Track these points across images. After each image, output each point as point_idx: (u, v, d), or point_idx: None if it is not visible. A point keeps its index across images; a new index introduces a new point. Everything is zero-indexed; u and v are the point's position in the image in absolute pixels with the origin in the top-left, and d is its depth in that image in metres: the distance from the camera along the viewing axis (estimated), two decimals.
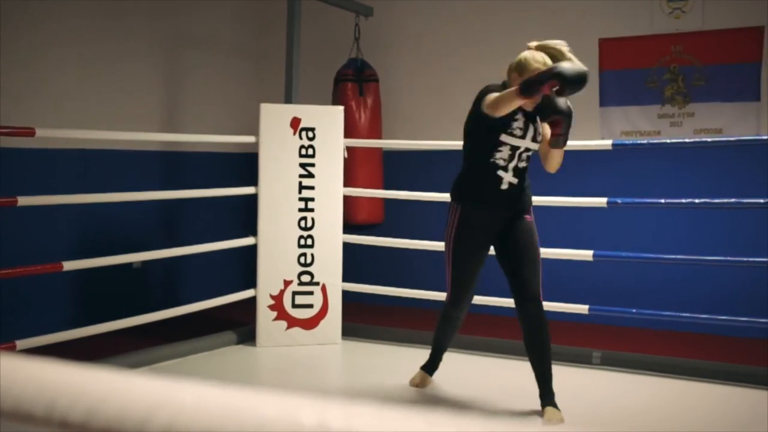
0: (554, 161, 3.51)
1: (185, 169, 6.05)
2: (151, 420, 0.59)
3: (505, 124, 3.39)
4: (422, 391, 3.94)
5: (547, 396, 3.53)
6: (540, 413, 3.53)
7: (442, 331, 3.91)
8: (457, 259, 3.56)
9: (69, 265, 4.02)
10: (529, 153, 3.52)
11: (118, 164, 5.43)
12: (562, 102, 3.35)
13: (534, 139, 3.49)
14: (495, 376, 4.27)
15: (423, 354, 4.11)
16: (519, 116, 3.42)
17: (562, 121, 3.37)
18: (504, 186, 3.46)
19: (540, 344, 3.52)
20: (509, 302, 4.71)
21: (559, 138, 3.42)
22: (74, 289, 5.14)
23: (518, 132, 3.43)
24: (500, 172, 3.44)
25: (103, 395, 0.63)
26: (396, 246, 5.16)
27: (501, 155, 3.43)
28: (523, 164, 3.50)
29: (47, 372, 0.67)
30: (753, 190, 4.90)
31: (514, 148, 3.44)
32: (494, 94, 3.32)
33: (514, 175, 3.47)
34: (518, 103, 3.24)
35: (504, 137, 3.42)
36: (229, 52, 6.52)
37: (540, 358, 3.53)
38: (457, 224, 3.52)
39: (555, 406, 3.51)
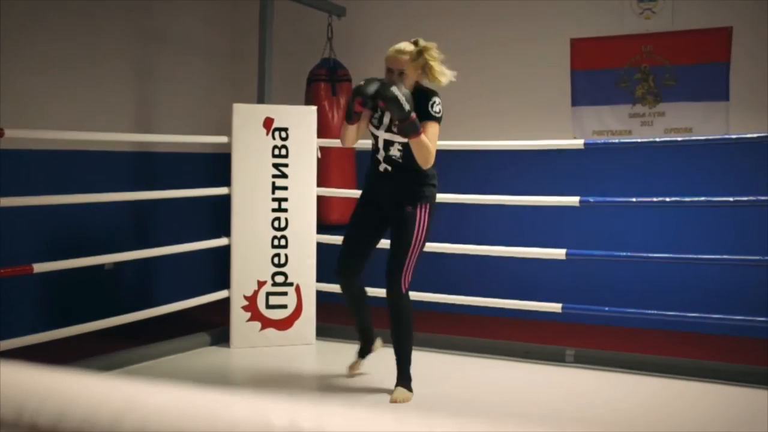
0: (414, 153, 3.59)
1: (157, 169, 6.01)
2: (121, 423, 0.59)
3: (372, 116, 3.79)
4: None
5: (398, 377, 3.81)
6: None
7: (347, 303, 4.10)
8: (347, 228, 4.01)
9: (39, 267, 3.98)
10: (398, 145, 3.70)
11: (90, 165, 5.38)
12: (371, 88, 3.52)
13: (389, 130, 3.71)
14: (469, 375, 4.29)
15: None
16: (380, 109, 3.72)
17: (386, 106, 3.52)
18: (381, 168, 3.78)
19: (394, 332, 3.80)
20: (487, 302, 4.74)
21: (401, 125, 3.54)
22: (44, 292, 5.09)
23: (375, 122, 3.77)
24: (376, 156, 3.80)
25: (72, 398, 0.63)
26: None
27: (374, 142, 3.80)
28: (393, 154, 3.72)
29: (16, 375, 0.67)
30: (723, 189, 4.96)
31: (375, 137, 3.79)
32: None
33: (386, 162, 3.76)
34: (351, 128, 3.72)
35: (369, 127, 3.81)
36: (202, 52, 6.49)
37: (395, 343, 3.82)
38: (357, 199, 3.97)
39: (405, 387, 3.78)
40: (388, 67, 3.64)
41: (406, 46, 3.64)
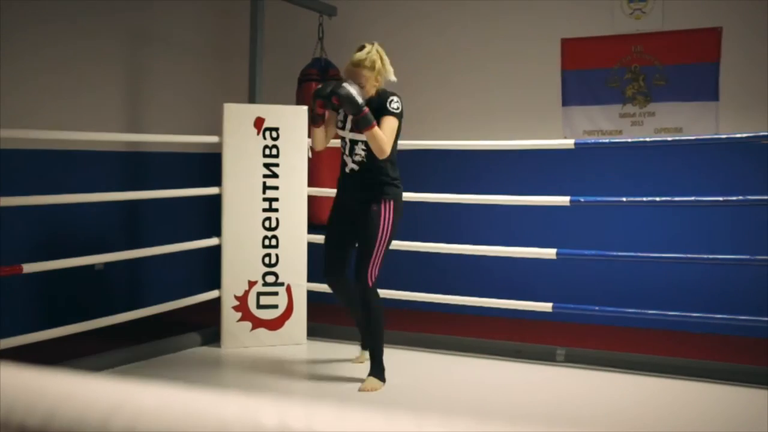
0: (370, 144, 3.85)
1: (148, 169, 5.99)
2: (110, 423, 0.59)
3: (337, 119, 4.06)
4: (385, 391, 3.94)
5: (371, 368, 4.02)
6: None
7: (340, 302, 4.34)
8: (325, 229, 4.21)
9: (29, 268, 3.96)
10: (362, 144, 3.92)
11: (80, 165, 5.37)
12: (327, 88, 3.81)
13: (353, 130, 3.94)
14: (460, 375, 4.29)
15: (388, 353, 4.11)
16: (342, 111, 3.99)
17: (340, 104, 3.78)
18: (347, 169, 4.01)
19: (365, 324, 4.07)
20: (478, 301, 4.75)
21: (356, 120, 3.83)
22: (34, 292, 5.07)
23: (340, 124, 4.03)
24: (344, 157, 4.02)
25: (61, 399, 0.63)
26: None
27: (342, 144, 4.03)
28: (358, 153, 3.95)
29: (5, 376, 0.67)
30: (713, 188, 4.98)
31: (342, 139, 4.02)
32: None
33: (353, 162, 3.98)
34: (318, 131, 4.03)
35: (337, 130, 4.06)
36: (193, 51, 6.47)
37: (367, 335, 4.12)
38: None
39: (376, 377, 3.98)
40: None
41: (360, 56, 3.92)
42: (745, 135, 4.30)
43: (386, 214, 3.93)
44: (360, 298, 4.01)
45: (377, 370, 4.00)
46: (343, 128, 4.01)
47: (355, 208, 4.00)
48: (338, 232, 4.13)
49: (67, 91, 5.32)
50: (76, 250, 4.60)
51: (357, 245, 4.03)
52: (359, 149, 3.95)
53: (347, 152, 4.00)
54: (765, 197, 4.19)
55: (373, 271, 3.94)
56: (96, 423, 0.59)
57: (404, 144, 4.91)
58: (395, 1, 6.27)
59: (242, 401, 0.59)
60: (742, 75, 5.29)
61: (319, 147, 4.12)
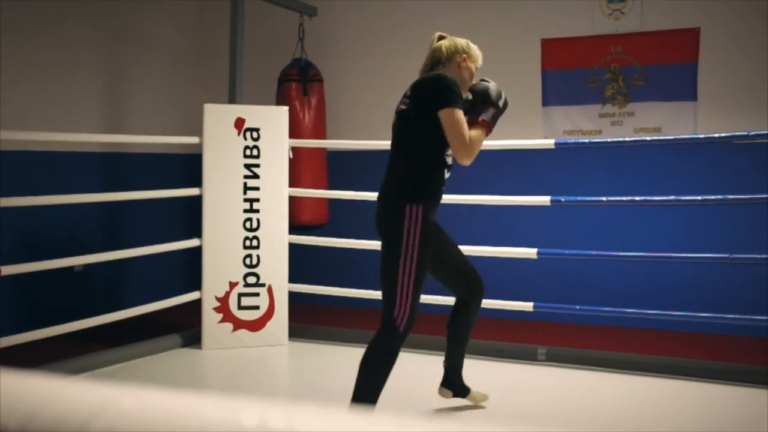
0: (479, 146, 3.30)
1: (128, 170, 5.96)
2: (89, 426, 0.59)
3: None
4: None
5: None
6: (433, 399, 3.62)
7: (385, 368, 3.16)
8: (422, 264, 3.13)
9: (8, 270, 3.93)
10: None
11: (60, 166, 5.33)
12: (494, 92, 3.29)
13: None
14: (441, 375, 4.29)
15: None
16: None
17: (497, 114, 3.31)
18: (447, 177, 3.28)
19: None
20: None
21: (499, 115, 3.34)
22: (14, 294, 5.03)
23: None
24: (446, 171, 3.25)
25: (40, 403, 0.62)
26: (341, 246, 5.16)
27: (448, 153, 3.21)
28: (451, 158, 3.28)
29: None
30: (692, 188, 5.01)
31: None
32: (465, 131, 3.09)
33: (449, 170, 3.29)
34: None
35: None
36: (173, 52, 6.45)
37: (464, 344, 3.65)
38: (421, 225, 3.09)
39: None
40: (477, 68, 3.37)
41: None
42: (723, 135, 4.34)
43: None
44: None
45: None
46: None
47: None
48: (450, 251, 3.52)
49: (45, 93, 5.28)
50: (55, 251, 4.57)
51: (457, 259, 3.54)
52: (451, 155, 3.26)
53: (450, 158, 3.24)
54: (744, 196, 4.23)
55: None
56: (76, 426, 0.59)
57: (387, 144, 4.91)
58: (376, 1, 6.27)
59: (222, 402, 0.59)
60: (720, 75, 5.33)
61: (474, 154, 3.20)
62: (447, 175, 3.25)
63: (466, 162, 3.12)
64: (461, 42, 3.35)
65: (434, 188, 3.18)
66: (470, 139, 3.08)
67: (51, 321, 4.17)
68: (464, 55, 3.31)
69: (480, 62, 3.37)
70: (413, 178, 3.16)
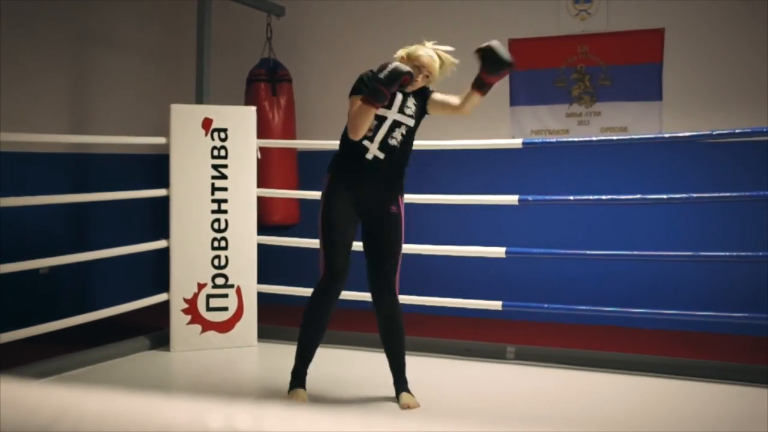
0: (474, 104, 3.71)
1: (94, 171, 5.90)
2: (52, 429, 0.58)
3: None
4: (332, 391, 3.93)
5: (401, 383, 3.68)
6: (395, 399, 3.66)
7: (323, 317, 3.66)
8: (327, 225, 3.56)
9: None
10: (401, 130, 3.54)
11: (24, 167, 5.26)
12: (506, 55, 3.58)
13: (402, 111, 3.54)
14: (410, 374, 4.30)
15: (338, 354, 4.10)
16: None
17: (507, 73, 3.71)
18: (369, 156, 3.49)
19: (395, 336, 3.65)
20: (427, 300, 4.76)
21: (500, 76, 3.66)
22: None
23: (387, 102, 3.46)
24: (365, 142, 3.48)
25: (4, 406, 0.62)
26: (312, 246, 5.13)
27: (374, 125, 3.50)
28: (395, 137, 3.52)
29: None
30: (657, 187, 5.07)
31: (380, 118, 3.50)
32: (352, 112, 3.46)
33: (380, 148, 3.49)
34: (373, 113, 3.41)
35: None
36: (139, 51, 6.39)
37: (394, 349, 3.67)
38: (328, 191, 3.58)
39: (409, 391, 3.66)
40: (416, 66, 3.55)
41: (433, 54, 3.65)
42: (687, 134, 4.39)
43: (403, 211, 3.62)
44: (391, 315, 3.61)
45: (406, 384, 3.68)
46: (389, 107, 3.50)
47: (367, 204, 3.56)
48: (348, 228, 3.58)
49: (10, 91, 5.21)
50: (20, 254, 4.50)
51: (381, 251, 3.60)
52: (398, 134, 3.51)
53: (378, 136, 3.47)
54: (708, 194, 4.29)
55: (397, 278, 3.62)
56: (38, 428, 0.58)
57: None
58: (344, 1, 6.27)
59: (188, 404, 0.59)
60: (684, 75, 5.40)
61: (363, 134, 3.47)
62: (369, 156, 3.50)
63: (352, 135, 3.45)
64: (413, 47, 3.66)
65: (347, 163, 3.55)
66: (349, 116, 3.45)
67: (16, 324, 4.11)
68: (406, 57, 3.62)
69: (420, 61, 3.58)
70: (336, 155, 3.65)
